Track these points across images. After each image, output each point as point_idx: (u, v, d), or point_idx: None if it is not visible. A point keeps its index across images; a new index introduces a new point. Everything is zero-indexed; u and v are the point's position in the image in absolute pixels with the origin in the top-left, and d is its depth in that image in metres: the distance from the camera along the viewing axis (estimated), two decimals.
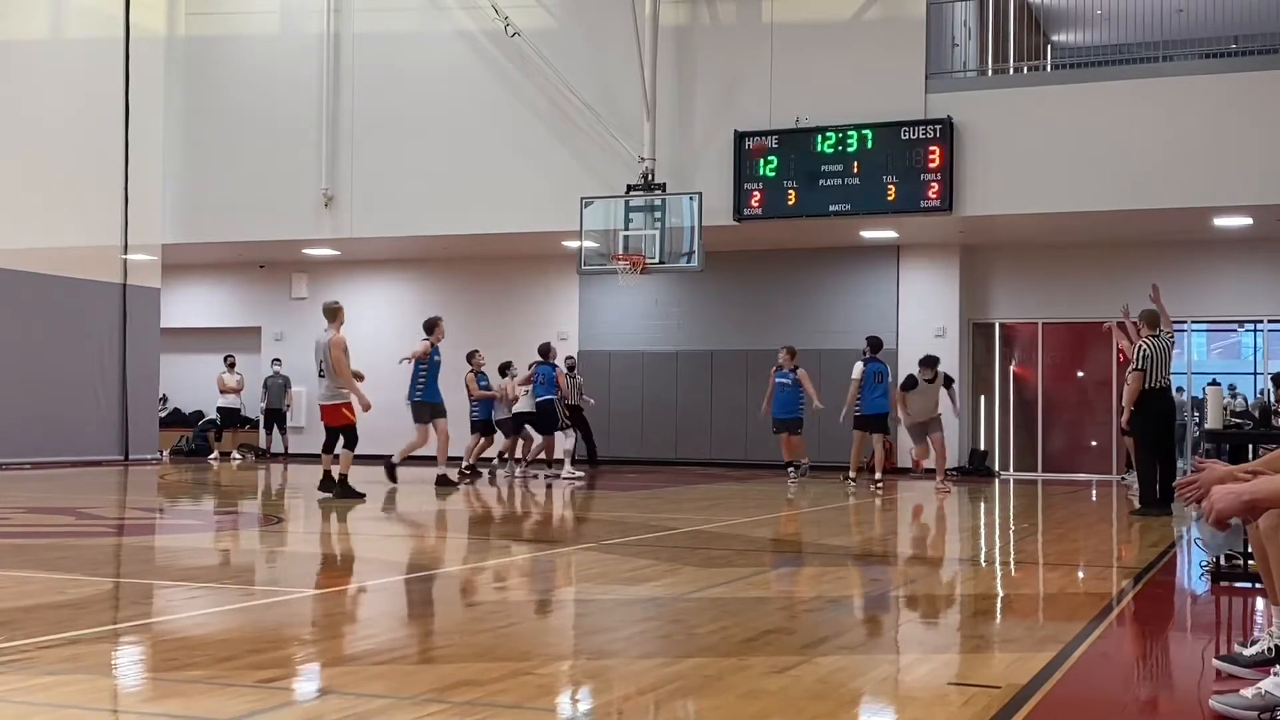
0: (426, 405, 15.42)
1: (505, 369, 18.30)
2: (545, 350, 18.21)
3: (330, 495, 13.03)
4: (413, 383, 15.59)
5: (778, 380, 17.75)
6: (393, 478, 15.38)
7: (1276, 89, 16.65)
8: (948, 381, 16.06)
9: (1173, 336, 12.79)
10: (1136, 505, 12.66)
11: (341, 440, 13.28)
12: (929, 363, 15.86)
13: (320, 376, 13.27)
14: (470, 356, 18.04)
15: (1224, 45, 19.15)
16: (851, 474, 16.75)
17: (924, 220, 18.30)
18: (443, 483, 15.22)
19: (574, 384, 19.50)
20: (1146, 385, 12.18)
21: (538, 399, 17.72)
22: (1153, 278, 19.12)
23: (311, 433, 23.16)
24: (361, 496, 13.03)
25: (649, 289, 21.34)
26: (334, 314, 13.32)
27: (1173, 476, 12.37)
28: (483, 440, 17.80)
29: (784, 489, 16.02)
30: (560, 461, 17.79)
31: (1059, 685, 4.61)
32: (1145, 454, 12.40)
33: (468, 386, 17.84)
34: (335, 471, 13.21)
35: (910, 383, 15.91)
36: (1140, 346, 12.24)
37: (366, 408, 13.27)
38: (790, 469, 17.67)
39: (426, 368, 15.48)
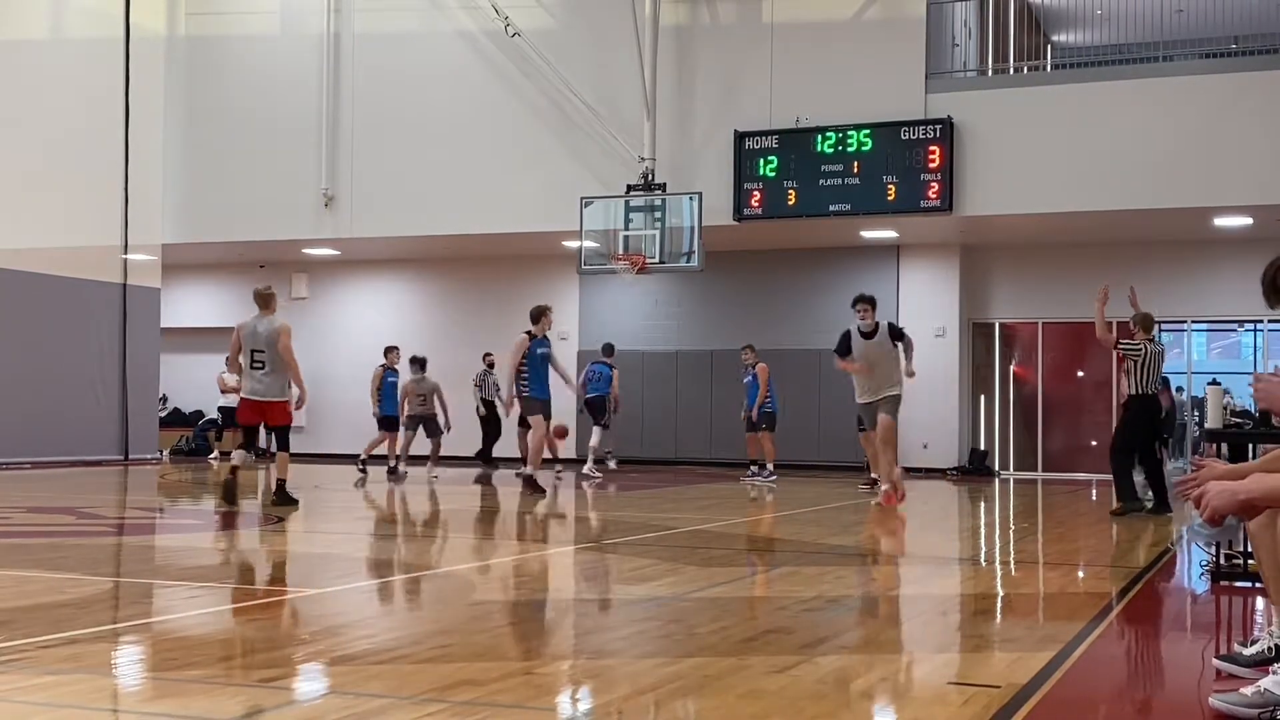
0: (535, 402, 14.07)
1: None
2: (609, 350, 18.57)
3: (294, 504, 11.80)
4: (516, 379, 14.36)
5: (745, 380, 17.76)
6: (538, 488, 14.00)
7: (1276, 89, 16.65)
8: (896, 333, 12.63)
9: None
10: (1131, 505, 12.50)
11: (278, 441, 12.13)
12: (862, 301, 12.54)
13: (255, 368, 11.76)
14: (386, 353, 18.37)
15: (1224, 45, 19.15)
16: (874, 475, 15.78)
17: (924, 220, 18.30)
18: (531, 486, 14.04)
19: (489, 382, 19.61)
20: (1139, 390, 12.13)
21: (589, 395, 17.85)
22: (1153, 278, 19.17)
23: (311, 433, 23.21)
24: (296, 503, 11.86)
25: (649, 289, 21.35)
26: (269, 299, 11.99)
27: (1162, 478, 12.27)
28: (387, 436, 18.04)
29: (784, 490, 16.00)
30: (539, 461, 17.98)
31: (1059, 685, 4.61)
32: (1124, 454, 12.25)
33: (376, 381, 18.15)
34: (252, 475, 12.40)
35: (844, 342, 12.60)
36: (1143, 347, 12.10)
37: (301, 402, 12.04)
38: (752, 467, 17.54)
39: (528, 362, 14.07)
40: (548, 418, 14.25)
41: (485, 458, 19.50)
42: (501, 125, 19.98)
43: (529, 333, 14.10)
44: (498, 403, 19.12)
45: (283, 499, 11.76)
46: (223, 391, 22.32)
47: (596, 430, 18.34)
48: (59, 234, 19.82)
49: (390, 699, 4.27)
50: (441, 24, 20.57)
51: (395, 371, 18.32)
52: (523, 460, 17.47)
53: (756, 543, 10.11)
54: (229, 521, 10.83)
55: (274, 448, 12.78)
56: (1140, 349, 12.07)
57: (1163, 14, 18.26)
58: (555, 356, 14.63)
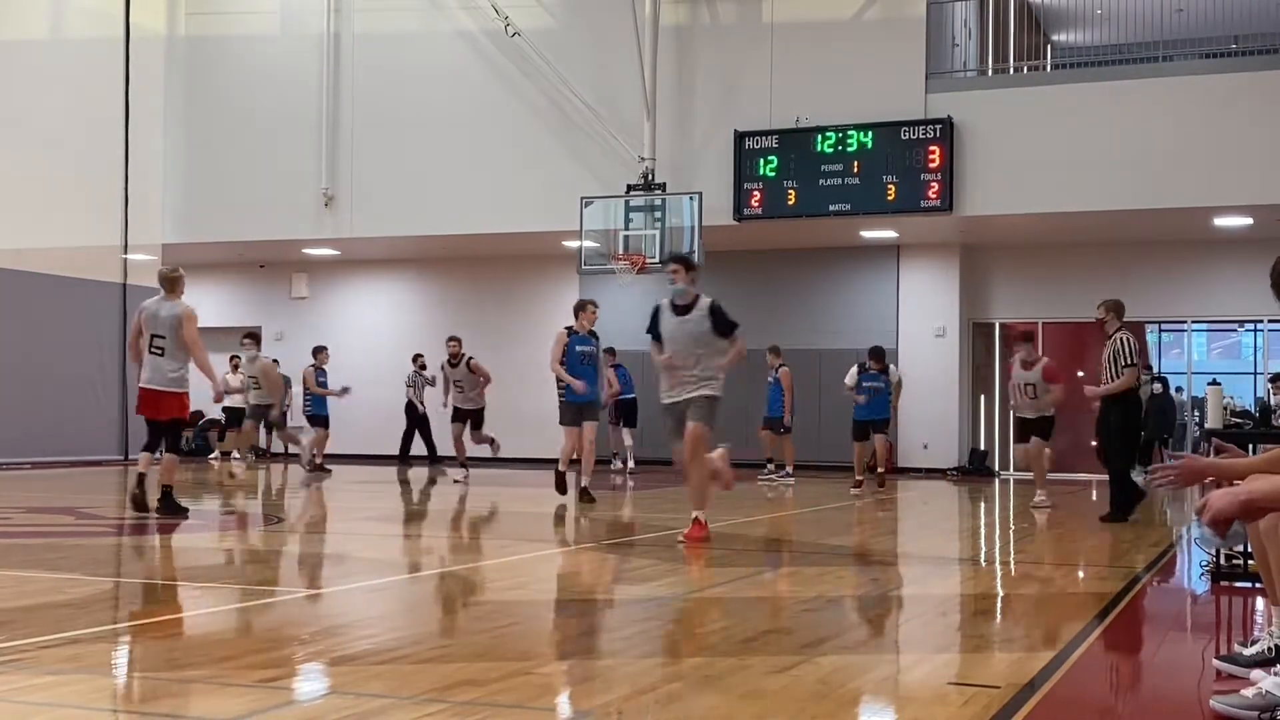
0: (568, 407, 12.96)
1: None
2: (613, 352, 18.95)
3: (183, 513, 10.65)
4: (557, 379, 13.35)
5: (768, 380, 17.84)
6: (587, 497, 12.90)
7: (1276, 89, 16.66)
8: (723, 322, 9.26)
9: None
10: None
11: (169, 440, 10.75)
12: (674, 260, 9.60)
13: (154, 353, 10.59)
14: (315, 353, 18.81)
15: (1224, 45, 19.16)
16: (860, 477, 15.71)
17: (924, 220, 18.30)
18: (584, 497, 12.88)
19: (419, 382, 19.66)
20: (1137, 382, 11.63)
21: (622, 398, 18.25)
22: (1153, 278, 19.16)
23: (311, 433, 23.17)
24: (185, 512, 10.69)
25: (649, 289, 21.32)
26: (175, 282, 10.80)
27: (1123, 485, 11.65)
28: (322, 434, 18.59)
29: (786, 489, 16.01)
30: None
31: (1059, 685, 4.61)
32: (1128, 460, 11.74)
33: (305, 381, 18.61)
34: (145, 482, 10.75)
35: (654, 320, 9.49)
36: (1128, 340, 11.53)
37: (220, 396, 11.50)
38: (768, 464, 17.62)
39: (566, 360, 12.93)
40: (581, 422, 12.89)
41: (403, 456, 20.20)
42: (501, 125, 19.99)
43: (568, 328, 13.05)
44: (420, 404, 19.59)
45: (169, 507, 10.49)
46: (226, 392, 22.31)
47: (627, 432, 19.28)
48: (59, 234, 19.83)
49: (390, 699, 4.27)
50: (441, 24, 20.58)
51: (325, 372, 18.91)
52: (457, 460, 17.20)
53: (757, 543, 10.11)
54: (229, 522, 10.82)
55: (285, 448, 12.36)
56: (1132, 343, 11.52)
57: (1163, 14, 18.26)
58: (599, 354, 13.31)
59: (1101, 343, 11.84)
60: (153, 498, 10.58)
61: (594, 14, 19.70)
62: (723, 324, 9.21)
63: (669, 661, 4.98)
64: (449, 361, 17.24)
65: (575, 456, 13.04)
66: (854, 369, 15.86)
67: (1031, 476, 14.12)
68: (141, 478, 10.72)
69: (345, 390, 18.68)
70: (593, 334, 13.15)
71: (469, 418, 17.04)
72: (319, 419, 18.59)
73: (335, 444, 22.68)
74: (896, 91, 18.06)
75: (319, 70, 21.13)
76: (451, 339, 17.48)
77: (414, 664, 4.90)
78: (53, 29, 20.32)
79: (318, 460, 18.29)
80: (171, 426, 10.72)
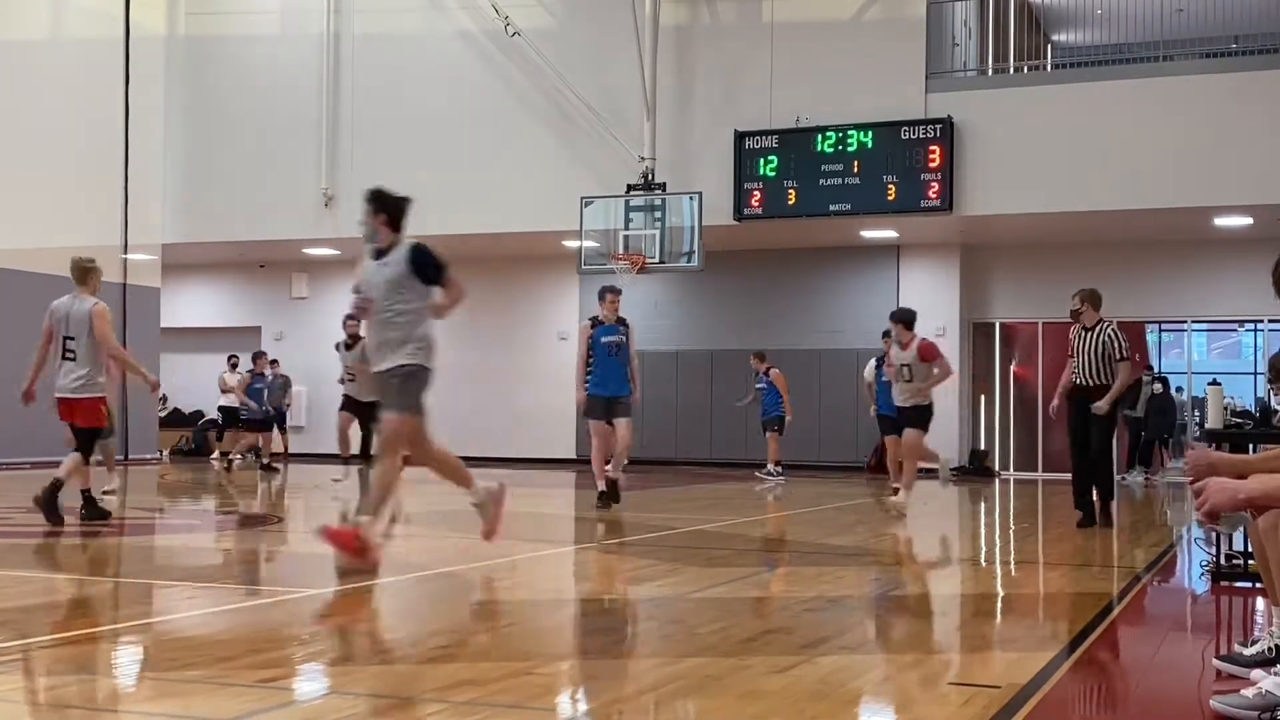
0: (596, 401, 11.89)
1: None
2: None
3: (97, 518, 10.03)
4: (580, 374, 12.35)
5: (758, 386, 17.90)
6: (615, 498, 12.15)
7: (1277, 89, 16.66)
8: (426, 265, 8.04)
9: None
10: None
11: (80, 443, 9.85)
12: (368, 199, 8.38)
13: (66, 358, 9.84)
14: (254, 358, 19.69)
15: (1224, 45, 19.16)
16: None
17: (924, 220, 18.30)
18: (606, 496, 12.06)
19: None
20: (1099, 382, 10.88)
21: None
22: (1153, 277, 19.14)
23: (312, 432, 23.19)
24: (107, 515, 10.19)
25: (649, 289, 21.34)
26: (87, 273, 9.88)
27: (1111, 486, 11.28)
28: (252, 437, 19.55)
29: (784, 490, 16.01)
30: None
31: (1059, 685, 4.61)
32: (1080, 458, 11.11)
33: (223, 383, 19.80)
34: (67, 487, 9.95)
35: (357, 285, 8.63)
36: (1118, 333, 10.89)
37: (156, 387, 10.54)
38: (770, 467, 17.72)
39: (592, 352, 12.01)
40: (610, 419, 11.82)
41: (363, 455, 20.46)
42: (501, 125, 19.98)
43: (592, 319, 12.21)
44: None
45: (49, 504, 9.64)
46: (224, 391, 22.32)
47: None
48: (59, 234, 19.79)
49: (390, 699, 4.27)
50: (441, 24, 20.58)
51: (263, 377, 19.87)
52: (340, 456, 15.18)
53: (756, 543, 10.11)
54: (227, 523, 10.81)
55: (285, 448, 11.84)
56: (1122, 337, 10.94)
57: (1163, 14, 18.26)
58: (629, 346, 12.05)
59: (1069, 333, 11.21)
60: (115, 504, 10.33)
61: (594, 14, 19.70)
62: (428, 265, 7.92)
63: (669, 661, 4.98)
64: (345, 344, 14.82)
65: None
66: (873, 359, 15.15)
67: (930, 466, 12.97)
68: (86, 492, 9.94)
69: (266, 411, 19.77)
70: (621, 321, 12.00)
71: (357, 411, 14.22)
72: (250, 422, 19.51)
73: (331, 444, 22.70)
74: (896, 91, 18.07)
75: (319, 70, 21.13)
76: (349, 317, 14.65)
77: (414, 664, 4.90)
78: (53, 29, 20.31)
79: (244, 457, 19.21)
80: (86, 434, 9.78)
